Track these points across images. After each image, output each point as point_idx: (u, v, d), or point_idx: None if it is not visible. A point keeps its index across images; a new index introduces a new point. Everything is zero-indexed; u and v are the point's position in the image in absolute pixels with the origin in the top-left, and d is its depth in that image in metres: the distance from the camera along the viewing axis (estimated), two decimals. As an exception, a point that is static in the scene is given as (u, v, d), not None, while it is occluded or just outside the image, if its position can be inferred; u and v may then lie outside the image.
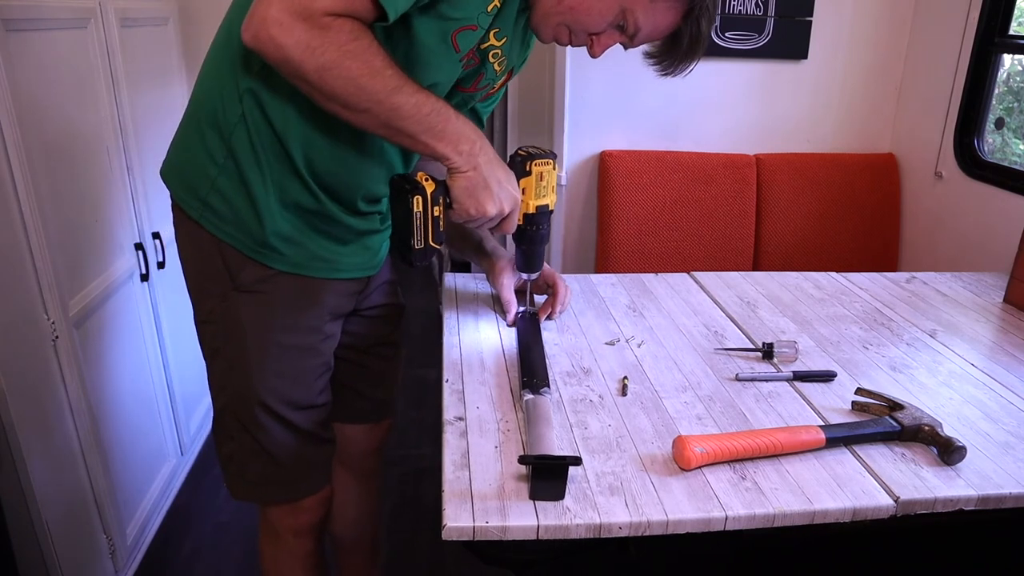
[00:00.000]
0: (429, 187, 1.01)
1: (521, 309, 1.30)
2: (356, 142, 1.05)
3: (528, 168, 1.11)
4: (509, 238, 1.16)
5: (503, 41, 1.04)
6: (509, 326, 1.29)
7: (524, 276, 1.25)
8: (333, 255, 1.13)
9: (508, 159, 1.11)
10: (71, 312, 1.53)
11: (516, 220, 1.08)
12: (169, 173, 1.12)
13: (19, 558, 1.44)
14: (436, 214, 1.03)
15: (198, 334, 1.15)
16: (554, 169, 1.13)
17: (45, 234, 1.42)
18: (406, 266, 1.08)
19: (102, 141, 1.71)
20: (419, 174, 1.03)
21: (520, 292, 1.34)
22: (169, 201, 1.12)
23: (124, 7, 1.79)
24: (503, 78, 1.14)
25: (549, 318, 1.32)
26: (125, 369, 1.80)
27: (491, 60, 1.06)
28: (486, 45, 1.03)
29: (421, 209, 1.02)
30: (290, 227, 1.07)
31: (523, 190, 1.10)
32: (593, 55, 1.07)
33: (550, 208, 1.15)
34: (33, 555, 1.45)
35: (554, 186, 1.14)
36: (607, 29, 1.03)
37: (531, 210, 1.12)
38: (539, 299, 1.35)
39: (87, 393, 1.58)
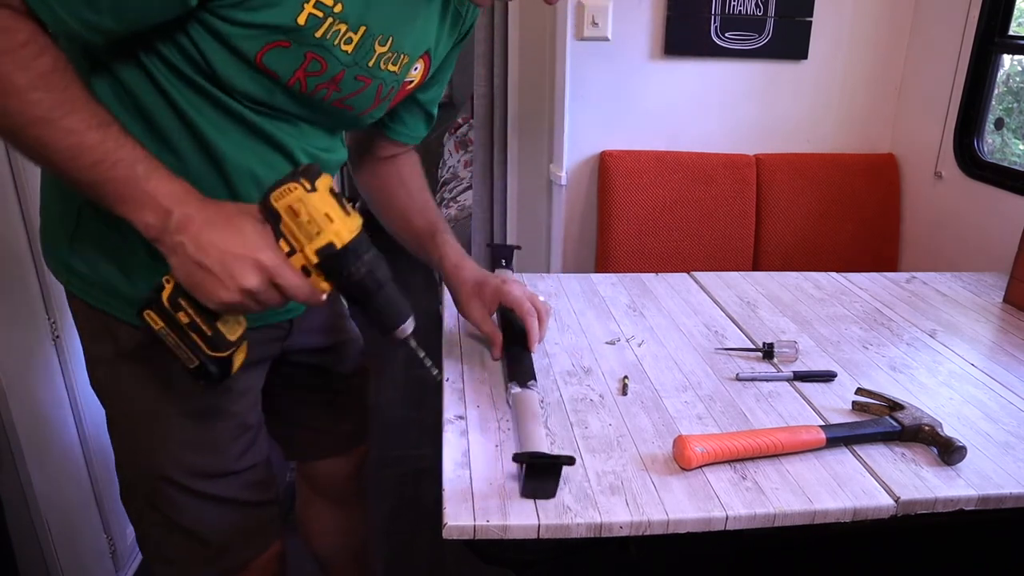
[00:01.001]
0: (167, 289, 0.78)
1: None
2: (204, 158, 0.85)
3: (272, 207, 0.76)
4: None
5: (389, 43, 0.87)
6: (495, 359, 1.14)
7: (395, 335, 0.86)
8: None
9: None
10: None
11: (306, 287, 0.77)
12: (41, 238, 0.97)
13: (19, 557, 1.44)
14: (186, 320, 0.77)
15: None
16: (311, 191, 0.75)
17: (45, 234, 1.42)
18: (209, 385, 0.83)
19: (102, 141, 1.71)
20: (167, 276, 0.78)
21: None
22: None
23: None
24: (417, 66, 0.95)
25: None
26: (125, 369, 1.80)
27: (381, 69, 0.88)
28: (372, 62, 0.86)
29: (162, 324, 0.78)
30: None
31: (294, 239, 0.77)
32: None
33: (339, 245, 0.76)
34: (33, 555, 1.45)
35: (331, 212, 0.76)
36: None
37: (314, 260, 0.77)
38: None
39: (87, 392, 1.58)
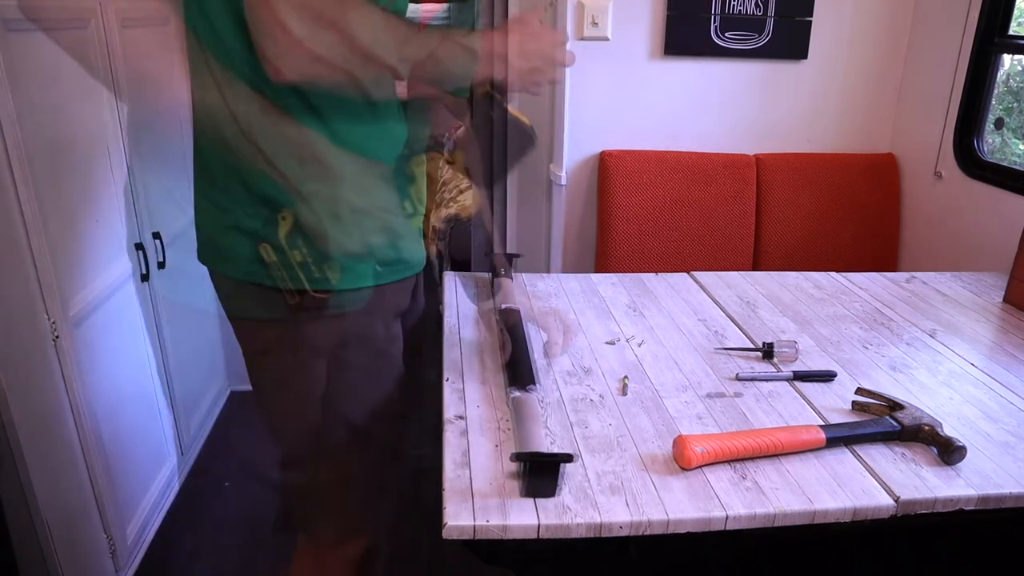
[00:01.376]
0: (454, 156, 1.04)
1: (504, 306, 1.29)
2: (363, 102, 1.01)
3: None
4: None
5: None
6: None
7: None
8: (394, 253, 1.07)
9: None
10: (71, 312, 1.53)
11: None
12: (208, 256, 1.06)
13: (19, 557, 1.44)
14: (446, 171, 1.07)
15: (252, 368, 1.08)
16: None
17: (45, 234, 1.42)
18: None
19: (102, 141, 1.71)
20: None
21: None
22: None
23: (124, 7, 1.79)
24: None
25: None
26: (126, 369, 1.80)
27: None
28: None
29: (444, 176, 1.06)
30: (356, 241, 1.01)
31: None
32: None
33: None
34: (33, 554, 1.45)
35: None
36: None
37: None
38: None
39: (87, 392, 1.58)
